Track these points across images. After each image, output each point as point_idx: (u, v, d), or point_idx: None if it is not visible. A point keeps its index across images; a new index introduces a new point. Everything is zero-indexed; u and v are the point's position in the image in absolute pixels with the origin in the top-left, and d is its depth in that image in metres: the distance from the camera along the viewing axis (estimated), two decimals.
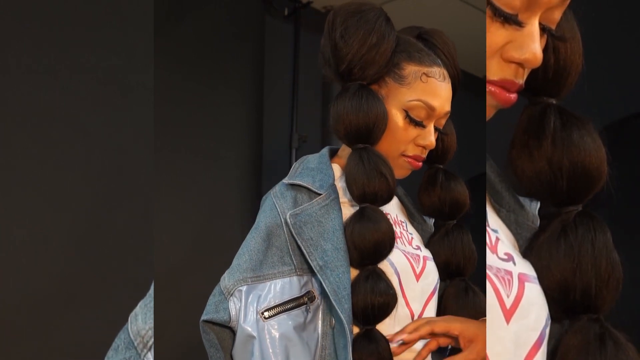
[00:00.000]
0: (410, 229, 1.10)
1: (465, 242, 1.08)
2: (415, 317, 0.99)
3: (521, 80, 0.64)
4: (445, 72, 1.02)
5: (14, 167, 1.67)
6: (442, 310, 1.05)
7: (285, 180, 1.06)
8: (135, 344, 0.53)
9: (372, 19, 0.96)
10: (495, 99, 0.64)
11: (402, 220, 1.09)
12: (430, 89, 0.99)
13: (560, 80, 0.68)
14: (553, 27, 0.63)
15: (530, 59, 0.61)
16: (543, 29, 0.63)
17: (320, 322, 0.94)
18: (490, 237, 0.68)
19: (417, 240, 1.08)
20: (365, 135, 0.97)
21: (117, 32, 1.88)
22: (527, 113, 0.68)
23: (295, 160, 1.12)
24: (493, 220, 0.73)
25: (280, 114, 2.57)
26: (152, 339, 0.53)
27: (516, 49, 0.61)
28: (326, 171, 1.04)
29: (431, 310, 1.02)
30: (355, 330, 0.93)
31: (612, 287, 0.62)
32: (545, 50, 0.64)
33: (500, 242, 0.68)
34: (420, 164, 1.04)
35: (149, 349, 0.52)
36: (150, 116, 1.79)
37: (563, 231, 0.64)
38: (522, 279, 0.63)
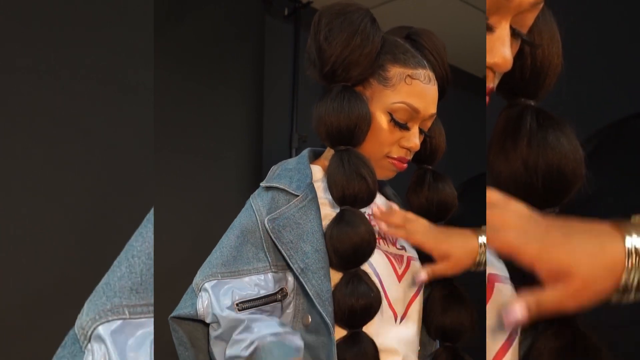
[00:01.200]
0: None
1: None
2: (399, 319, 0.99)
3: (492, 84, 0.63)
4: (431, 74, 1.01)
5: (14, 167, 1.68)
6: (427, 312, 1.04)
7: (263, 184, 1.06)
8: (78, 336, 0.55)
9: (357, 20, 0.96)
10: None
11: None
12: (414, 92, 0.99)
13: (538, 81, 0.68)
14: (525, 30, 0.63)
15: (499, 63, 0.60)
16: (514, 32, 0.62)
17: (291, 317, 0.95)
18: None
19: (402, 240, 1.07)
20: (346, 136, 0.97)
21: (117, 32, 1.88)
22: (505, 115, 0.68)
23: None
24: None
25: (280, 114, 2.57)
26: (92, 329, 0.55)
27: (486, 52, 0.61)
28: (304, 171, 1.03)
29: (415, 311, 1.02)
30: (339, 332, 0.92)
31: None
32: (520, 53, 0.64)
33: None
34: (405, 165, 1.04)
35: (89, 340, 0.54)
36: (150, 116, 1.79)
37: None
38: (491, 279, 0.63)
